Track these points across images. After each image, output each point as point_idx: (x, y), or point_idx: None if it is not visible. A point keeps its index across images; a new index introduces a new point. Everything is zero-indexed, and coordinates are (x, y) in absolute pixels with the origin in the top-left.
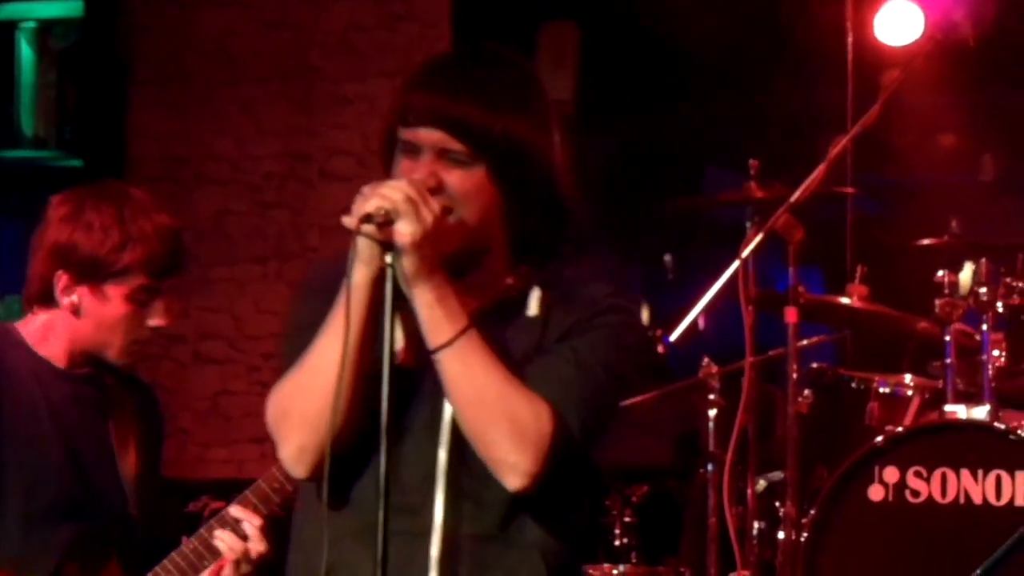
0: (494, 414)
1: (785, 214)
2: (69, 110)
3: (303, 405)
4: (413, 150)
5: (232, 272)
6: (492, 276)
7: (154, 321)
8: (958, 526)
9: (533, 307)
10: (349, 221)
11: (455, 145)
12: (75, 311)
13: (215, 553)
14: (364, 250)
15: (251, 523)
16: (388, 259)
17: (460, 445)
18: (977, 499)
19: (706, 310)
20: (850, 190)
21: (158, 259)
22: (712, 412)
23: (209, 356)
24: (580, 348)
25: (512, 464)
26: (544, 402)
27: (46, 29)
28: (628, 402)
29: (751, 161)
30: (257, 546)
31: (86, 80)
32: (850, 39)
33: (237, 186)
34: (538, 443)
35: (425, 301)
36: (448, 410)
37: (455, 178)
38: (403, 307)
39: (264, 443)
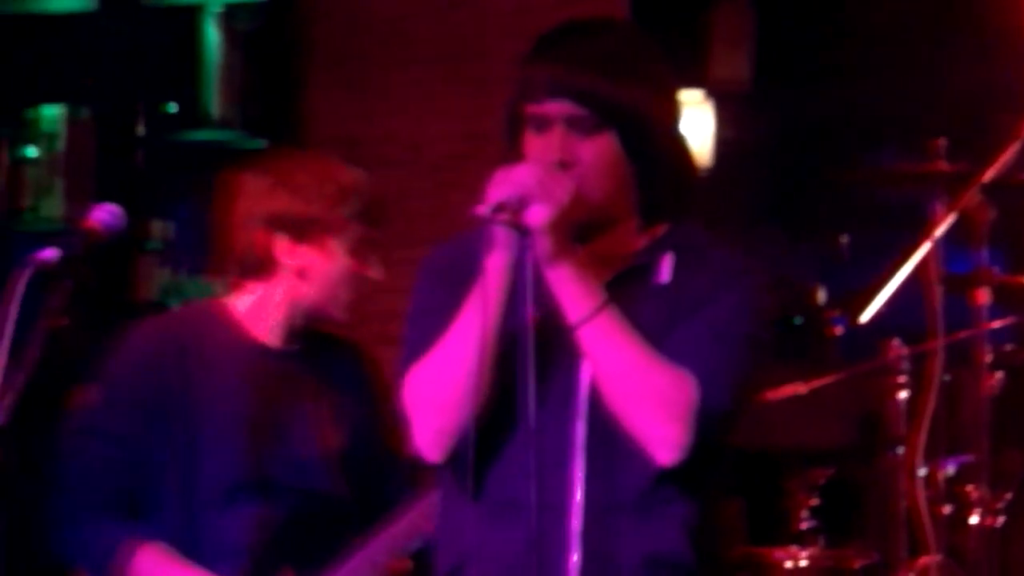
0: (637, 388)
1: (976, 193)
2: (252, 91)
3: (440, 390)
4: (540, 124)
5: (413, 254)
6: (623, 241)
7: (374, 272)
8: None
9: (665, 273)
10: (482, 211)
11: (582, 113)
12: (300, 273)
13: None
14: (499, 236)
15: None
16: (525, 243)
17: (597, 416)
18: None
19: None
20: None
21: (372, 208)
22: (902, 395)
23: (394, 337)
24: (716, 317)
25: (660, 437)
26: (685, 374)
27: (232, 12)
28: (812, 385)
29: (937, 139)
30: None
31: (269, 62)
32: None
33: (417, 167)
34: (684, 415)
35: (563, 278)
36: (584, 380)
37: (585, 149)
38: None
39: None
